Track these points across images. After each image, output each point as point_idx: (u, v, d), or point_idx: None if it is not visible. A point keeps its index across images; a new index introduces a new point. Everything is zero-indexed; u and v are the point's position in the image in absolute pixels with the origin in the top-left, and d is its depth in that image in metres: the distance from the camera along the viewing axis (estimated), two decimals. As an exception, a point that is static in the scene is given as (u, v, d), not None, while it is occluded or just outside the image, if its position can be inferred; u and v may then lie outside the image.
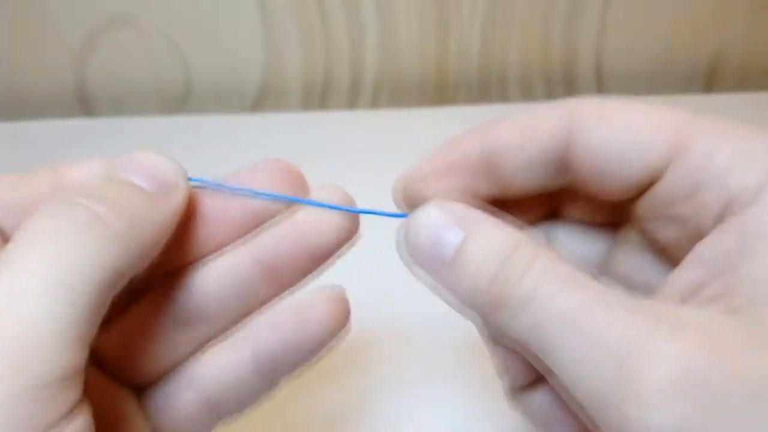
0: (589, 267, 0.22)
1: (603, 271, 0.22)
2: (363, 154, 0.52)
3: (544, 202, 0.22)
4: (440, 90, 0.63)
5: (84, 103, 0.60)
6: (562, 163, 0.19)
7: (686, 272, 0.17)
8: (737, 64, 0.65)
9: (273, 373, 0.20)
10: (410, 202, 0.22)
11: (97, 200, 0.17)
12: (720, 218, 0.17)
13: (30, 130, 0.55)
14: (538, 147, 0.19)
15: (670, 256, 0.19)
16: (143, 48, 0.59)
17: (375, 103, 0.63)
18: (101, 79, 0.60)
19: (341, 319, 0.21)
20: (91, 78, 0.60)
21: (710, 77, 0.65)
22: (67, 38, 0.58)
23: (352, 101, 0.63)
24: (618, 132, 0.18)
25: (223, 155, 0.52)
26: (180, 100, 0.61)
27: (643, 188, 0.18)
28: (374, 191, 0.48)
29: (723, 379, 0.14)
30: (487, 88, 0.64)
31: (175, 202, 0.19)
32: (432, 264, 0.18)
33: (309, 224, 0.21)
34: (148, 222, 0.18)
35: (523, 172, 0.19)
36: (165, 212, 0.18)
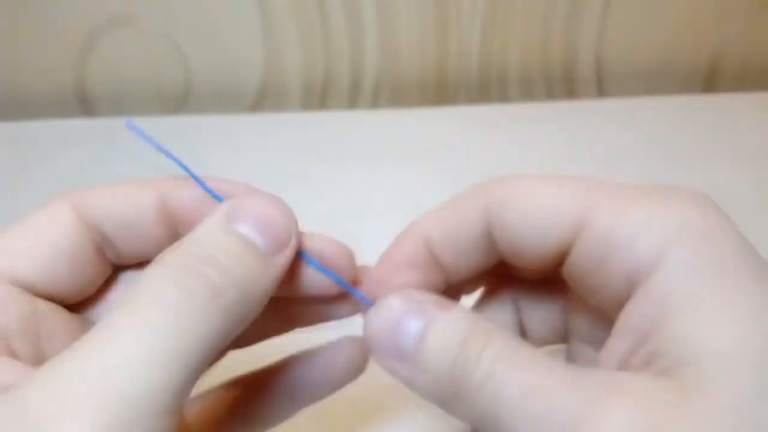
0: (552, 331, 0.24)
1: (563, 335, 0.24)
2: (363, 154, 0.52)
3: (495, 279, 0.24)
4: (440, 90, 0.63)
5: (84, 103, 0.60)
6: (489, 243, 0.21)
7: (617, 341, 0.18)
8: (737, 64, 0.65)
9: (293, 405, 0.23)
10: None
11: (220, 271, 0.17)
12: (631, 286, 0.18)
13: (30, 130, 0.55)
14: (464, 235, 0.21)
15: (606, 318, 0.20)
16: (143, 48, 0.59)
17: (375, 103, 0.63)
18: (101, 79, 0.60)
19: (361, 365, 0.23)
20: (91, 78, 0.60)
21: (710, 77, 0.65)
22: (67, 38, 0.58)
23: (352, 101, 0.63)
24: (526, 212, 0.19)
25: (223, 155, 0.52)
26: (180, 100, 0.61)
27: (559, 260, 0.20)
28: (374, 191, 0.48)
29: None
30: (487, 88, 0.64)
31: (285, 262, 0.19)
32: (394, 357, 0.19)
33: (325, 364, 0.23)
34: (260, 288, 0.18)
35: (459, 259, 0.21)
36: (275, 275, 0.19)
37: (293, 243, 0.19)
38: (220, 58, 0.60)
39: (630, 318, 0.18)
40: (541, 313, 0.24)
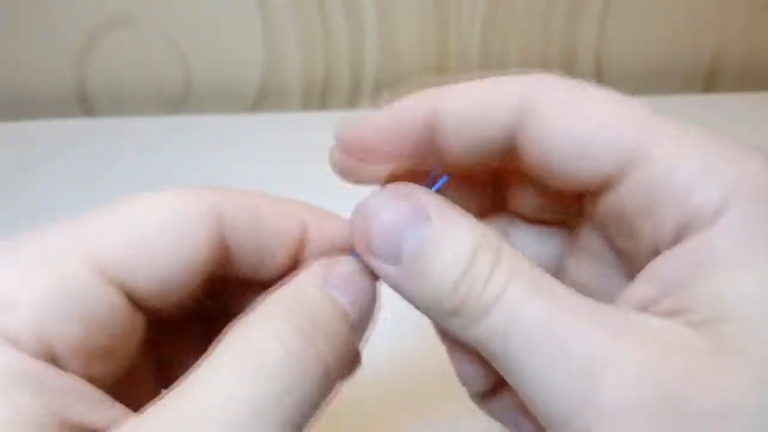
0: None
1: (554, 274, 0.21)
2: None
3: (489, 193, 0.21)
4: (440, 90, 0.63)
5: (84, 103, 0.60)
6: (511, 142, 0.18)
7: (641, 287, 0.16)
8: (737, 64, 0.65)
9: None
10: (349, 174, 0.21)
11: (330, 348, 0.16)
12: (678, 237, 0.16)
13: (30, 130, 0.55)
14: (488, 124, 0.17)
15: (626, 265, 0.19)
16: (143, 48, 0.59)
17: (375, 103, 0.63)
18: (101, 79, 0.60)
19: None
20: (91, 78, 0.60)
21: (710, 77, 0.65)
22: (67, 38, 0.58)
23: (352, 101, 0.63)
24: (575, 126, 0.17)
25: (223, 155, 0.52)
26: (180, 100, 0.61)
27: (595, 189, 0.17)
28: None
29: (687, 393, 0.14)
30: (487, 88, 0.64)
31: (367, 333, 0.18)
32: (384, 258, 0.17)
33: None
34: (350, 360, 0.17)
35: (468, 149, 0.18)
36: (360, 345, 0.18)
37: (374, 316, 0.19)
38: (220, 58, 0.60)
39: (664, 267, 0.16)
40: (532, 251, 0.21)
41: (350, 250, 0.19)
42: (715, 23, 0.63)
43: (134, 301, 0.17)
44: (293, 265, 0.19)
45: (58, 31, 0.57)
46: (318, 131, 0.56)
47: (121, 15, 0.57)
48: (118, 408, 0.16)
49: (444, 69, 0.62)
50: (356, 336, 0.18)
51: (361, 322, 0.18)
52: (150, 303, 0.17)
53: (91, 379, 0.16)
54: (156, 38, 0.59)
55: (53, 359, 0.15)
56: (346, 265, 0.18)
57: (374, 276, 0.18)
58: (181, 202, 0.17)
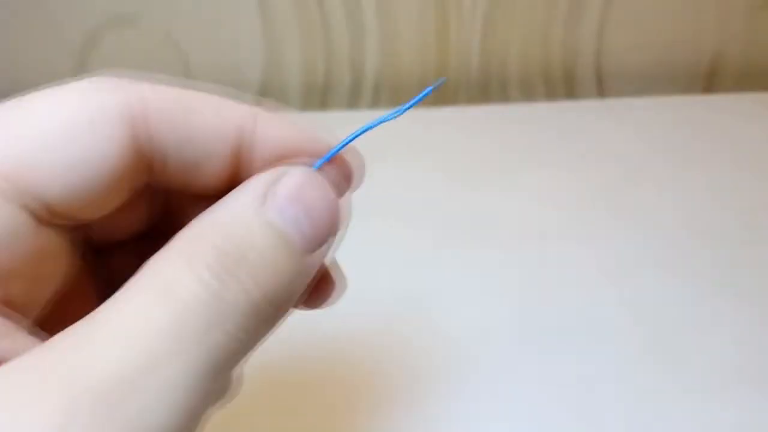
0: None
1: None
2: (363, 154, 0.52)
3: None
4: (440, 90, 0.63)
5: (84, 103, 0.60)
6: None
7: None
8: (737, 64, 0.65)
9: None
10: None
11: (256, 280, 0.14)
12: None
13: (30, 130, 0.55)
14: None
15: None
16: (143, 48, 0.59)
17: (375, 103, 0.63)
18: (101, 79, 0.60)
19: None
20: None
21: (710, 77, 0.65)
22: (67, 38, 0.58)
23: (353, 101, 0.63)
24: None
25: (223, 155, 0.52)
26: (180, 100, 0.61)
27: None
28: (374, 191, 0.48)
29: None
30: (487, 88, 0.64)
31: (321, 259, 0.16)
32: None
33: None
34: (293, 290, 0.16)
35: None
36: (305, 279, 0.16)
37: (332, 240, 0.16)
38: (220, 58, 0.60)
39: None
40: None
41: (304, 159, 0.17)
42: (715, 23, 0.63)
43: (45, 217, 0.15)
44: (235, 174, 0.17)
45: (59, 31, 0.58)
46: (318, 131, 0.56)
47: (121, 14, 0.57)
48: (33, 339, 0.15)
49: (444, 69, 0.62)
50: (304, 262, 0.16)
51: (311, 244, 0.16)
52: (68, 219, 0.16)
53: (10, 304, 0.15)
54: (156, 38, 0.59)
55: None
56: (294, 178, 0.16)
57: (334, 190, 0.17)
58: (88, 97, 0.15)
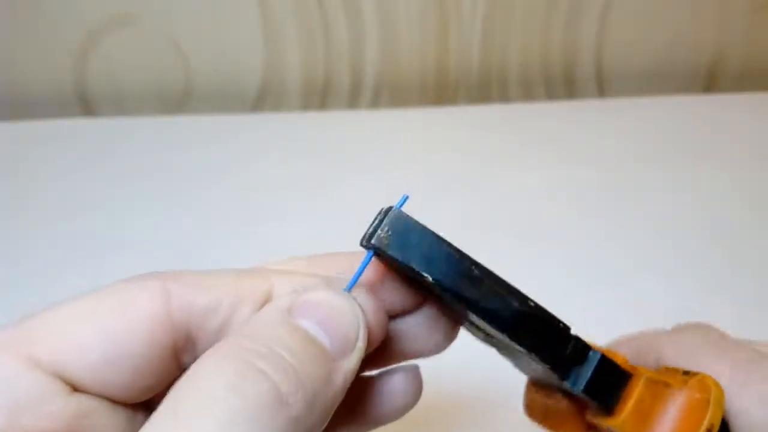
0: None
1: None
2: (363, 154, 0.52)
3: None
4: (440, 90, 0.63)
5: (84, 103, 0.60)
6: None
7: None
8: (737, 64, 0.65)
9: None
10: None
11: (282, 373, 0.15)
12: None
13: (30, 130, 0.55)
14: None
15: None
16: (143, 48, 0.59)
17: (375, 103, 0.63)
18: (101, 79, 0.60)
19: (416, 395, 0.21)
20: (91, 78, 0.60)
21: (710, 77, 0.65)
22: (67, 38, 0.58)
23: (352, 101, 0.63)
24: None
25: (223, 155, 0.52)
26: (180, 100, 0.61)
27: None
28: (374, 191, 0.48)
29: None
30: (487, 88, 0.64)
31: (354, 366, 0.16)
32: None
33: (419, 331, 0.20)
34: (329, 397, 0.16)
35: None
36: (343, 381, 0.16)
37: (361, 344, 0.17)
38: (220, 58, 0.60)
39: None
40: None
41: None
42: (715, 23, 0.63)
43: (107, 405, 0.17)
44: None
45: (58, 31, 0.57)
46: (318, 131, 0.57)
47: (121, 15, 0.57)
48: None
49: (444, 69, 0.62)
50: (332, 358, 0.16)
51: (338, 343, 0.16)
52: (126, 402, 0.17)
53: None
54: (156, 38, 0.59)
55: None
56: (317, 292, 0.17)
57: (350, 298, 0.17)
58: (138, 307, 0.17)
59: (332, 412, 0.16)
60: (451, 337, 0.21)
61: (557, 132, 0.55)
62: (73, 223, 0.44)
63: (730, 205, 0.46)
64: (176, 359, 0.17)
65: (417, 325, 0.20)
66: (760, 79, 0.65)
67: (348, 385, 0.16)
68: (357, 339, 0.17)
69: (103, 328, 0.16)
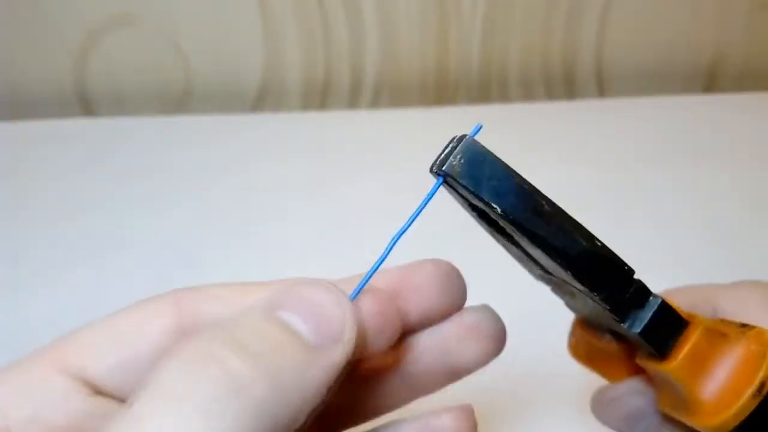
0: None
1: None
2: (363, 154, 0.52)
3: None
4: (440, 90, 0.63)
5: (84, 103, 0.60)
6: None
7: None
8: (737, 64, 0.65)
9: None
10: None
11: (245, 359, 0.15)
12: None
13: (30, 130, 0.55)
14: None
15: None
16: (143, 48, 0.59)
17: (375, 103, 0.63)
18: (101, 79, 0.60)
19: None
20: (91, 78, 0.60)
21: (710, 77, 0.65)
22: (67, 38, 0.58)
23: (353, 101, 0.63)
24: None
25: (223, 155, 0.52)
26: (180, 100, 0.61)
27: None
28: (374, 191, 0.48)
29: None
30: (487, 88, 0.64)
31: (337, 359, 0.16)
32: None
33: (454, 344, 0.20)
34: (303, 387, 0.15)
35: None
36: (323, 372, 0.16)
37: (348, 337, 0.16)
38: (220, 58, 0.60)
39: None
40: None
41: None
42: (715, 23, 0.63)
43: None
44: None
45: (58, 31, 0.58)
46: (318, 131, 0.57)
47: (121, 15, 0.57)
48: None
49: (444, 69, 0.62)
50: (319, 360, 0.16)
51: (318, 334, 0.16)
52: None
53: None
54: (156, 38, 0.59)
55: None
56: (300, 286, 0.17)
57: (339, 292, 0.17)
58: (148, 313, 0.19)
59: (314, 406, 0.16)
60: (493, 348, 0.20)
61: (557, 132, 0.55)
62: (73, 223, 0.44)
63: (730, 205, 0.46)
64: None
65: (453, 337, 0.20)
66: (760, 79, 0.65)
67: (333, 379, 0.16)
68: (342, 332, 0.16)
69: (119, 335, 0.18)
